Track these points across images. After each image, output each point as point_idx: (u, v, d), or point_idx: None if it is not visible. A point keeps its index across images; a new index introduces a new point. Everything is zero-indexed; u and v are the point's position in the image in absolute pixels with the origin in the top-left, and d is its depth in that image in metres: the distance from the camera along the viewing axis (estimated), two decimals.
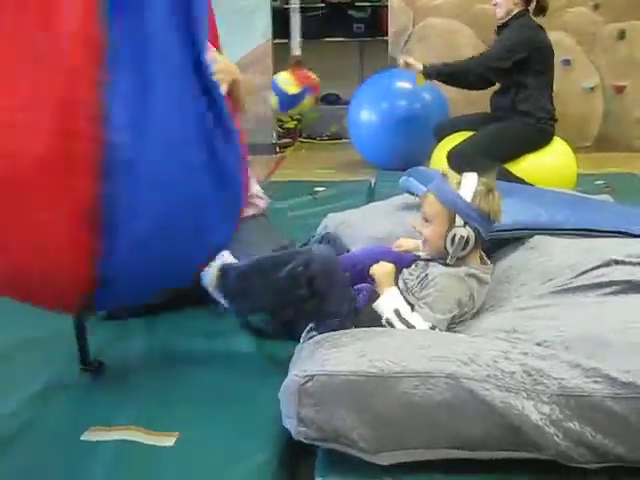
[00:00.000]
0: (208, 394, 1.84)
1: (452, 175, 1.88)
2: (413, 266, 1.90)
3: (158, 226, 1.60)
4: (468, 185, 1.83)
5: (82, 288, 1.64)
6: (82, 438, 1.64)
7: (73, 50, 1.49)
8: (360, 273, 1.92)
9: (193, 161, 1.65)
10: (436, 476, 1.42)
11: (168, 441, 1.61)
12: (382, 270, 1.87)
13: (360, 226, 2.52)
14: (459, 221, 1.81)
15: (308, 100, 3.57)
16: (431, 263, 1.87)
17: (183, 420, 1.70)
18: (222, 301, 1.94)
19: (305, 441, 1.46)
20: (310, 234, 2.93)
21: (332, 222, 2.71)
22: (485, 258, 1.91)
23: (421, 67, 3.74)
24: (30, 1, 1.51)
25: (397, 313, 1.75)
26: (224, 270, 1.91)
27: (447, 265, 1.83)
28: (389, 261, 1.90)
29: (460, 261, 1.83)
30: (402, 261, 1.94)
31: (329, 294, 1.79)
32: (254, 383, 1.88)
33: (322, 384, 1.43)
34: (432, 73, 3.78)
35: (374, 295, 1.85)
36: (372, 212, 2.70)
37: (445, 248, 1.82)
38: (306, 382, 1.44)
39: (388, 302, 1.79)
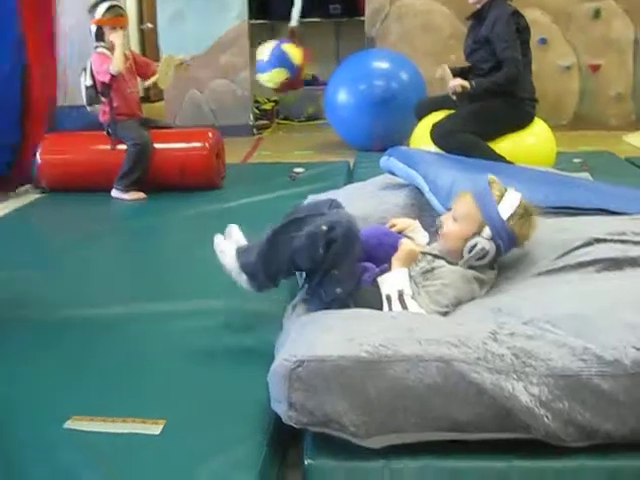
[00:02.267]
0: (193, 380, 1.83)
1: (496, 185, 1.86)
2: (419, 256, 1.89)
3: None
4: (509, 202, 1.83)
5: None
6: (65, 426, 1.63)
7: None
8: (365, 251, 1.89)
9: None
10: (427, 456, 1.42)
11: (155, 429, 1.60)
12: (409, 248, 1.85)
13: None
14: (486, 233, 1.81)
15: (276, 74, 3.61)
16: (439, 259, 1.86)
17: (170, 407, 1.69)
18: (243, 281, 1.89)
19: (295, 426, 1.45)
20: None
21: None
22: (493, 264, 1.90)
23: (468, 86, 3.67)
24: None
25: (400, 293, 1.74)
26: (243, 249, 1.88)
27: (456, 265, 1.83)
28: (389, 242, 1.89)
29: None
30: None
31: (343, 262, 1.75)
32: (240, 366, 1.88)
33: (312, 369, 1.42)
34: (479, 91, 3.69)
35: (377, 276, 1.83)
36: (354, 193, 2.68)
37: (461, 251, 1.83)
38: (296, 367, 1.43)
39: (396, 280, 1.78)
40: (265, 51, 3.64)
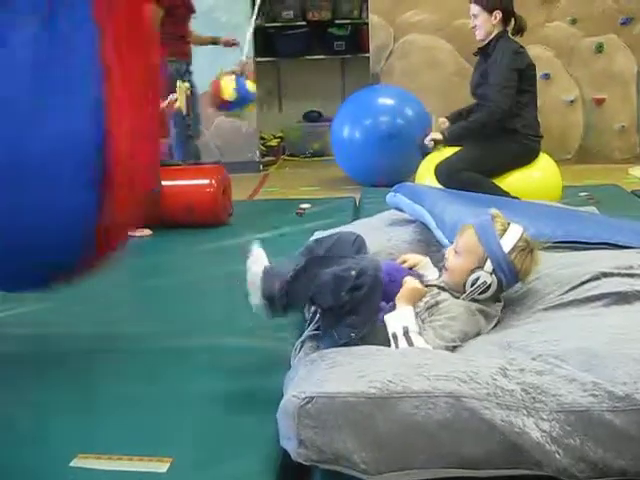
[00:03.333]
0: (200, 418, 1.81)
1: (499, 219, 1.87)
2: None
3: None
4: (511, 236, 1.83)
5: None
6: (71, 465, 1.61)
7: None
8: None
9: None
10: None
11: (161, 467, 1.58)
12: (412, 286, 1.84)
13: None
14: (488, 266, 1.81)
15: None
16: (443, 292, 1.86)
17: (176, 445, 1.67)
18: (260, 307, 1.83)
19: (305, 463, 1.43)
20: (297, 252, 2.93)
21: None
22: (499, 295, 1.90)
23: (441, 138, 3.75)
24: None
25: (405, 330, 1.73)
26: (270, 274, 1.82)
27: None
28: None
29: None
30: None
31: (363, 309, 1.74)
32: (247, 404, 1.86)
33: (322, 406, 1.41)
34: (454, 139, 3.77)
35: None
36: (361, 229, 2.68)
37: (464, 285, 1.83)
38: (305, 403, 1.41)
39: (401, 317, 1.77)
40: (229, 91, 3.78)
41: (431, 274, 2.04)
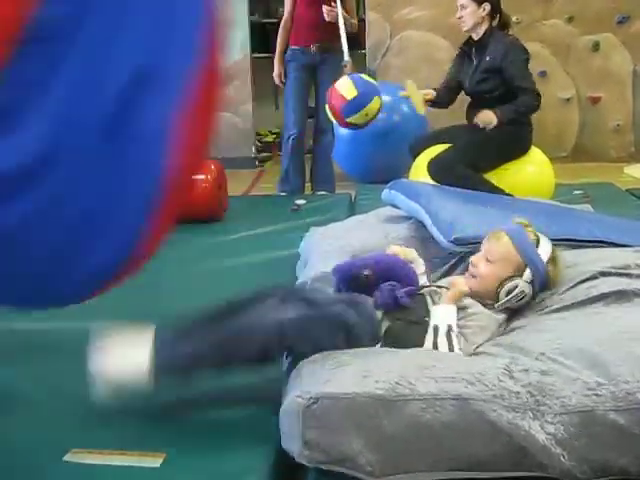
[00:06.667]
0: (193, 414, 1.81)
1: (530, 229, 1.87)
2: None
3: None
4: (545, 246, 1.84)
5: None
6: (64, 460, 1.61)
7: None
8: (383, 271, 1.83)
9: None
10: None
11: (154, 462, 1.58)
12: (461, 290, 1.80)
13: (344, 239, 2.50)
14: (527, 276, 1.80)
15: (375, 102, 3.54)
16: (467, 298, 1.81)
17: (170, 441, 1.67)
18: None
19: (309, 464, 1.42)
20: (292, 248, 2.94)
21: (315, 236, 2.69)
22: None
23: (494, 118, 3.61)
24: None
25: (449, 329, 1.70)
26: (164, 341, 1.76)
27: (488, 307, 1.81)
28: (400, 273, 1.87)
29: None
30: (410, 275, 1.90)
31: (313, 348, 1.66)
32: (242, 400, 1.85)
33: (327, 406, 1.40)
34: (507, 119, 3.62)
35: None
36: (356, 225, 2.69)
37: (497, 293, 1.81)
38: (311, 404, 1.41)
39: (447, 315, 1.73)
40: (348, 87, 3.47)
41: (420, 266, 2.04)
